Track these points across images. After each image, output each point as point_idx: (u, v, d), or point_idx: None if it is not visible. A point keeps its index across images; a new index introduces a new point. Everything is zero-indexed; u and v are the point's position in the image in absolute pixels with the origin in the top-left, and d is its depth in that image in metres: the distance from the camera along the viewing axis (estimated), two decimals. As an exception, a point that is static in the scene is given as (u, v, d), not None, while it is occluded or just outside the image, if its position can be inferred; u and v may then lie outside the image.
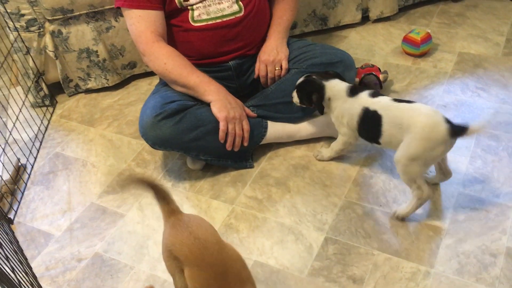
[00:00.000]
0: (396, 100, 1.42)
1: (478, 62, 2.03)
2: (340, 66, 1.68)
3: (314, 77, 1.58)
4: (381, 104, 1.43)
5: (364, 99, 1.48)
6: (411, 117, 1.34)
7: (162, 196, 1.16)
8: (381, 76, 1.88)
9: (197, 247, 1.09)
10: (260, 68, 1.72)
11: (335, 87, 1.55)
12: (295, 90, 1.62)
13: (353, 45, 2.25)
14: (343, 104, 1.53)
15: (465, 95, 1.88)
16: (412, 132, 1.33)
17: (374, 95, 1.48)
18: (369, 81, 1.86)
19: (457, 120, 1.75)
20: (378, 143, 1.47)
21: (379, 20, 2.37)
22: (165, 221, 1.17)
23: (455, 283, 1.29)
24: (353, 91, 1.52)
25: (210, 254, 1.09)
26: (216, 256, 1.09)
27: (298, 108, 1.68)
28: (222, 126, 1.57)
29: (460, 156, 1.63)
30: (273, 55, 1.71)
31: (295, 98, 1.63)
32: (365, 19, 2.37)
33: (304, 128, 1.75)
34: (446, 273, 1.32)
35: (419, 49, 2.07)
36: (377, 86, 1.86)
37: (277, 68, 1.71)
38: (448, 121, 1.31)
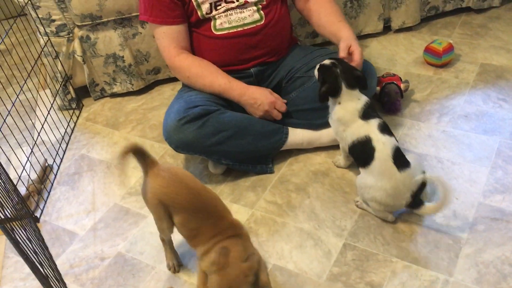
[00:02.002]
0: (395, 154, 1.41)
1: (500, 73, 2.03)
2: (361, 75, 1.69)
3: (338, 71, 1.49)
4: (383, 148, 1.42)
5: (373, 128, 1.45)
6: (388, 181, 1.42)
7: (142, 153, 1.29)
8: (402, 85, 1.89)
9: (192, 195, 1.26)
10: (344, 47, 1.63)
11: (350, 102, 1.49)
12: (318, 68, 1.55)
13: (374, 54, 2.26)
14: (351, 123, 1.49)
15: (486, 106, 1.88)
16: (380, 183, 1.43)
17: (383, 130, 1.45)
18: (390, 90, 1.87)
19: (479, 130, 1.76)
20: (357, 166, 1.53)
21: (401, 30, 2.38)
22: (147, 172, 1.31)
23: (474, 292, 1.29)
24: (366, 115, 1.47)
25: (203, 199, 1.28)
26: (206, 198, 1.29)
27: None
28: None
29: (480, 166, 1.63)
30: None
31: (316, 75, 1.57)
32: (387, 29, 2.38)
33: (325, 135, 1.76)
34: (465, 282, 1.32)
35: (441, 59, 2.07)
36: (398, 95, 1.87)
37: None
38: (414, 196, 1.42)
